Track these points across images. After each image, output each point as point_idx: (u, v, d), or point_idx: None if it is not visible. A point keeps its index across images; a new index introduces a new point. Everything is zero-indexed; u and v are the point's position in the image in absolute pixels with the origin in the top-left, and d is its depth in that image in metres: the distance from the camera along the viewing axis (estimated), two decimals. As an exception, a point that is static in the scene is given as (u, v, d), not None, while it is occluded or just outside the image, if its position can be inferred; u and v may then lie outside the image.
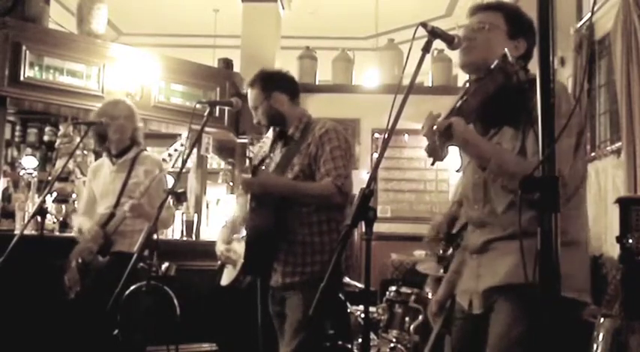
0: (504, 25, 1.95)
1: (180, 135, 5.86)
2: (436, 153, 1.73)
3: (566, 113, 1.63)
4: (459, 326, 2.03)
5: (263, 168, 2.71)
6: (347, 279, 4.13)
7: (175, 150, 3.18)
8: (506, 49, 1.81)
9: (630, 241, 3.23)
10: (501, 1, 2.06)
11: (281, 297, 2.70)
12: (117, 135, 3.57)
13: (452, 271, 2.23)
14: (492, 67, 1.77)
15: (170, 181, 3.86)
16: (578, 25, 5.03)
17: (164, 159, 3.21)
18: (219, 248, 3.35)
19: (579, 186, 1.83)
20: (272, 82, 2.79)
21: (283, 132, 2.78)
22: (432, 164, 1.79)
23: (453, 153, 1.83)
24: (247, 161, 2.77)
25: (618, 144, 4.28)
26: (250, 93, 2.80)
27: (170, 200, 3.51)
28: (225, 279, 3.40)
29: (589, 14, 5.09)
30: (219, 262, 3.34)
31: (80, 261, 3.41)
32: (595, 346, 3.15)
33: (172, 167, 3.23)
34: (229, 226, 3.16)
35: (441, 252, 3.01)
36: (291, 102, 2.79)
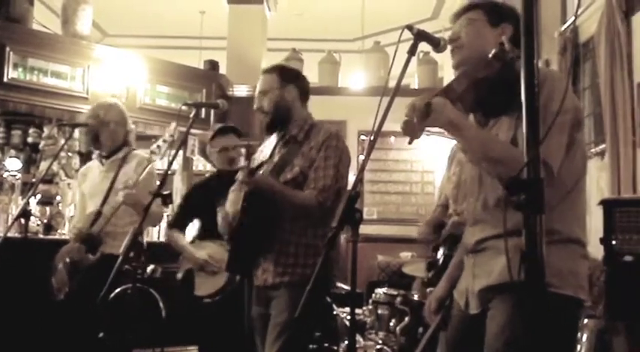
0: (483, 16, 1.95)
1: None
2: (412, 131, 1.69)
3: (564, 109, 1.62)
4: (455, 325, 2.03)
5: (260, 172, 2.69)
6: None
7: (164, 141, 3.15)
8: (503, 37, 1.81)
9: (614, 243, 3.26)
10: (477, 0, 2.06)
11: (266, 297, 2.67)
12: (109, 141, 3.57)
13: (452, 268, 2.21)
14: (490, 55, 1.76)
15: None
16: (563, 28, 5.07)
17: (152, 152, 3.18)
18: (202, 255, 3.32)
19: (577, 182, 1.82)
20: (292, 75, 2.80)
21: (285, 132, 2.76)
22: (409, 143, 1.75)
23: (441, 155, 1.83)
24: (247, 163, 2.74)
25: (602, 147, 4.31)
26: (264, 77, 2.77)
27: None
28: (204, 289, 3.37)
29: (573, 17, 5.14)
30: (181, 272, 3.31)
31: (68, 261, 3.39)
32: (579, 347, 3.17)
33: (161, 159, 3.21)
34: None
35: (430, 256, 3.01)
36: (300, 102, 2.80)
